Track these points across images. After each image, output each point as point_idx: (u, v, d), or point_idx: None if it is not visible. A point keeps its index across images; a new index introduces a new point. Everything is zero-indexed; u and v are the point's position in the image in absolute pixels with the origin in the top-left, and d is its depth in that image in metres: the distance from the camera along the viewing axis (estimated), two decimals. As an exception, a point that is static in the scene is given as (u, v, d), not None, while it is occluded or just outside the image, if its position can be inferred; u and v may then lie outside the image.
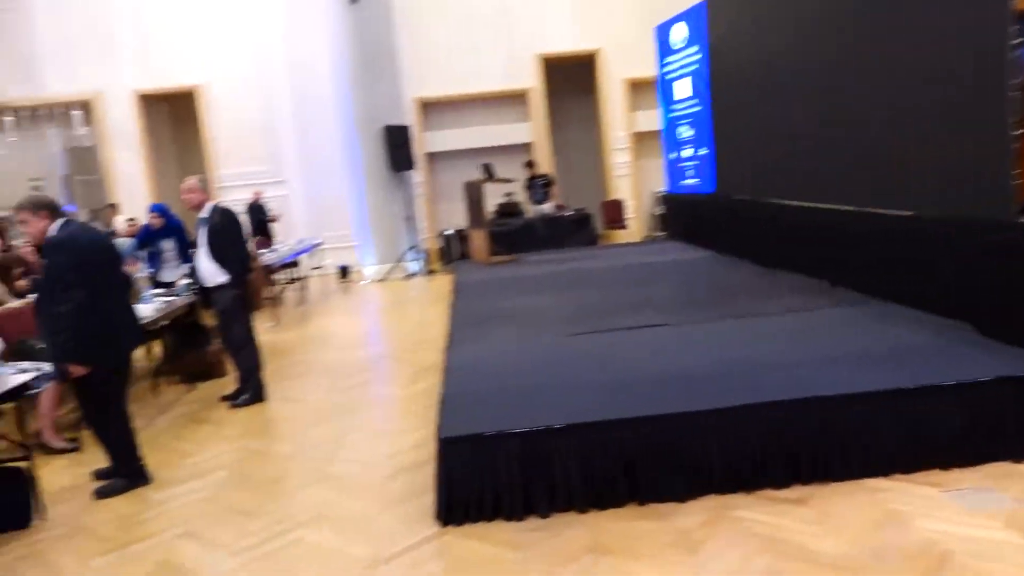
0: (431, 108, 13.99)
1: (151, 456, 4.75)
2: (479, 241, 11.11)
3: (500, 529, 3.51)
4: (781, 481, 3.61)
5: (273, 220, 12.48)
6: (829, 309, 5.64)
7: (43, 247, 4.34)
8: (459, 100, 13.94)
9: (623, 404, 3.84)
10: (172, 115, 14.61)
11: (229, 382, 6.34)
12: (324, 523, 3.78)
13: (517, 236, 12.01)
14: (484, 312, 6.89)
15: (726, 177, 9.42)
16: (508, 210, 12.99)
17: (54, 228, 4.32)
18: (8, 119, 13.07)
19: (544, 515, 3.56)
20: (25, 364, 5.32)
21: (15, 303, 6.38)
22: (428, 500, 3.74)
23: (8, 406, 4.69)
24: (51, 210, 4.38)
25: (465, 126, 14.10)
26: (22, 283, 6.71)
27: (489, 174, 11.25)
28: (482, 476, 3.58)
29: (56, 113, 13.36)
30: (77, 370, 4.23)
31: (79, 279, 4.18)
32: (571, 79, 14.44)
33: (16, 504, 4.13)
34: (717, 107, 9.48)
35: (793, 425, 3.62)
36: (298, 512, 3.95)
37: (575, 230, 12.44)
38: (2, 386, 4.35)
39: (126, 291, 4.79)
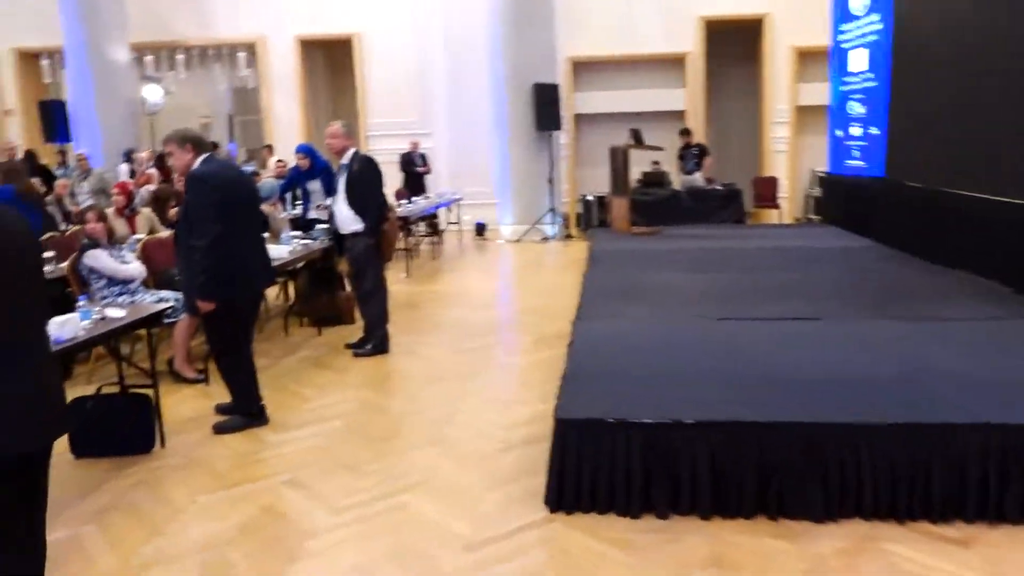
0: (583, 68, 13.58)
1: (272, 397, 4.76)
2: (620, 209, 10.71)
3: (613, 524, 3.23)
4: (941, 514, 3.14)
5: (426, 172, 12.46)
6: (1015, 320, 4.96)
7: (186, 181, 4.37)
8: (613, 61, 13.44)
9: (763, 405, 3.45)
10: (329, 62, 14.89)
11: (356, 330, 6.33)
12: (429, 491, 3.63)
13: (660, 207, 11.50)
14: (618, 285, 6.55)
15: (898, 161, 8.56)
16: (653, 179, 12.47)
17: (198, 162, 4.33)
18: (180, 57, 13.70)
19: (663, 516, 3.25)
20: (165, 293, 5.49)
21: (165, 233, 6.59)
22: (538, 481, 3.50)
23: (143, 332, 4.78)
24: (196, 144, 4.38)
25: (616, 88, 13.60)
26: (173, 212, 6.93)
27: (637, 140, 10.78)
28: (599, 465, 3.30)
29: (224, 54, 13.88)
30: (206, 305, 4.25)
31: (216, 215, 4.18)
32: (733, 45, 13.62)
33: (141, 430, 4.22)
34: (896, 83, 8.60)
35: (965, 452, 3.13)
36: (405, 474, 3.81)
37: (722, 206, 11.78)
38: (140, 312, 4.43)
39: (261, 231, 4.79)
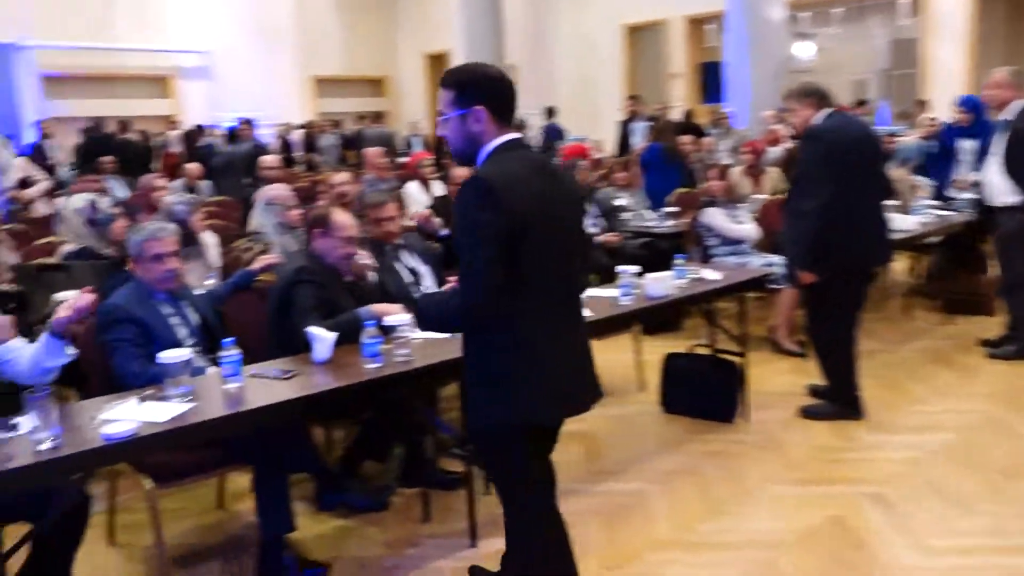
0: None
1: (873, 388, 4.16)
2: None
3: None
4: None
5: None
6: None
7: (803, 137, 3.99)
8: None
9: None
10: (1008, 5, 12.60)
11: (995, 324, 5.19)
12: (1065, 563, 2.68)
13: None
14: None
15: None
16: None
17: (819, 118, 3.90)
18: (836, 11, 13.16)
19: None
20: (774, 257, 5.23)
21: (763, 197, 6.22)
22: None
23: (750, 296, 4.55)
24: (818, 98, 3.95)
25: None
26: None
27: None
28: None
29: (883, 4, 12.85)
30: (806, 276, 3.85)
31: (828, 174, 3.71)
32: None
33: (725, 397, 4.07)
34: None
35: None
36: (1029, 530, 2.90)
37: None
38: (739, 276, 4.25)
39: (884, 198, 4.14)
